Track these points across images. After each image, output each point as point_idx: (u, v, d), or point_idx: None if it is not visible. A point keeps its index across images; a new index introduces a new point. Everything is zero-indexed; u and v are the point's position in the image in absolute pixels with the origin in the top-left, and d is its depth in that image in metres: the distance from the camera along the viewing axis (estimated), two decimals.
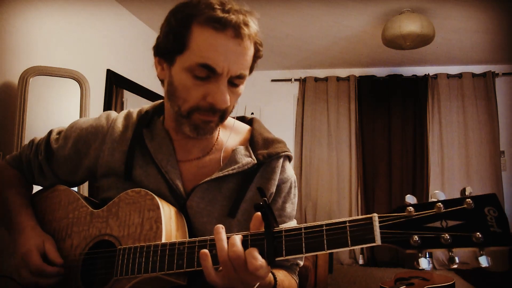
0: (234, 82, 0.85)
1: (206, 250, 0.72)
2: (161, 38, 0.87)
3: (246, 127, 1.02)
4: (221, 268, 0.72)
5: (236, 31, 0.80)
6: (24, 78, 2.25)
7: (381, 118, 4.74)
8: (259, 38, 0.87)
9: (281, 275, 0.89)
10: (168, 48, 0.84)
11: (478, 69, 4.60)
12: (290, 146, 4.88)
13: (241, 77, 0.85)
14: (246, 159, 0.91)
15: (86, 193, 2.47)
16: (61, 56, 2.62)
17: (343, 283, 3.74)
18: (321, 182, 4.72)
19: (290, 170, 0.98)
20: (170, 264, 0.77)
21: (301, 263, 1.00)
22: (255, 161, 0.91)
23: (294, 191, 0.99)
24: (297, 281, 1.00)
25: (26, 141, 2.19)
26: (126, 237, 0.85)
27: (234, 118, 1.05)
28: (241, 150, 0.93)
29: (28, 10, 2.38)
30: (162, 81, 0.92)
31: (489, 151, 4.45)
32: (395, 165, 4.63)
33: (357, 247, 0.66)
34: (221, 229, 0.72)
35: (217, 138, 0.97)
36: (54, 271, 0.87)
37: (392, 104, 4.73)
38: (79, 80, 2.54)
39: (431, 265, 0.63)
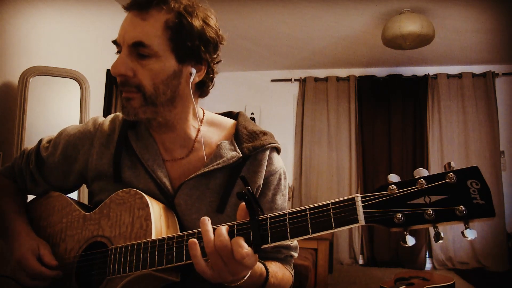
0: (138, 52, 0.84)
1: (194, 239, 0.72)
2: None
3: (230, 122, 1.01)
4: (209, 260, 0.72)
5: (136, 5, 0.85)
6: (24, 78, 2.25)
7: (381, 118, 4.75)
8: (188, 8, 0.86)
9: (274, 267, 0.90)
10: None
11: (478, 69, 4.60)
12: (290, 146, 4.89)
13: (140, 45, 0.83)
14: (231, 153, 0.91)
15: (85, 197, 2.47)
16: (61, 56, 2.62)
17: (343, 283, 3.74)
18: (321, 182, 4.72)
19: (278, 161, 0.97)
20: (160, 259, 0.77)
21: (295, 254, 1.00)
22: (240, 155, 0.91)
23: (284, 183, 0.98)
24: (292, 273, 0.99)
25: (26, 141, 2.20)
26: (118, 236, 0.86)
27: (219, 113, 1.05)
28: (226, 144, 0.93)
29: (28, 10, 2.38)
30: None
31: (489, 151, 4.45)
32: (395, 165, 4.64)
33: (341, 229, 0.66)
34: (207, 220, 0.73)
35: (197, 134, 0.96)
36: (51, 273, 0.88)
37: (392, 104, 4.73)
38: (79, 80, 2.54)
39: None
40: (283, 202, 0.97)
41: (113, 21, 3.16)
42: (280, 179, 0.97)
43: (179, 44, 0.85)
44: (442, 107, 4.61)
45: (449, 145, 4.55)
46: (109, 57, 3.30)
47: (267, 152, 0.94)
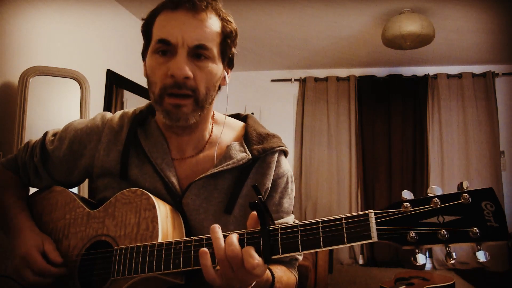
0: (197, 53, 0.84)
1: (205, 249, 0.72)
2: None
3: (240, 124, 1.02)
4: (218, 267, 0.72)
5: (190, 5, 0.84)
6: (24, 78, 2.25)
7: (381, 118, 4.74)
8: (225, 14, 0.89)
9: (279, 271, 0.89)
10: (143, 47, 0.93)
11: (478, 69, 4.60)
12: (290, 146, 4.88)
13: (202, 48, 0.84)
14: (240, 154, 0.91)
15: (86, 194, 2.46)
16: (61, 56, 2.62)
17: (343, 283, 3.74)
18: (321, 182, 4.72)
19: (286, 165, 0.98)
20: (166, 263, 0.77)
21: (300, 258, 1.00)
22: (250, 156, 0.91)
23: (291, 186, 0.99)
24: (297, 276, 0.99)
25: (26, 141, 2.19)
26: (123, 237, 0.85)
27: (228, 115, 1.05)
28: (236, 146, 0.93)
29: (28, 10, 2.38)
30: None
31: (489, 151, 4.45)
32: (395, 165, 4.64)
33: (353, 244, 0.66)
34: (217, 228, 0.72)
35: (210, 135, 0.97)
36: (57, 270, 0.88)
37: (392, 104, 4.73)
38: (79, 80, 2.54)
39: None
40: (289, 206, 0.98)
41: (113, 21, 3.18)
42: (287, 182, 0.97)
43: (226, 49, 0.89)
44: (442, 107, 4.61)
45: (449, 145, 4.55)
46: (109, 57, 3.30)
47: (276, 155, 0.95)
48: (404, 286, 2.65)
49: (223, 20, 0.88)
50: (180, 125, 0.87)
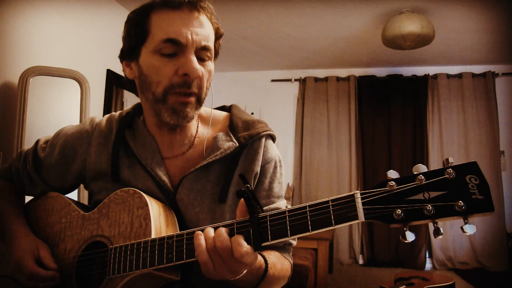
0: (201, 55, 0.86)
1: (199, 231, 0.73)
2: (124, 42, 0.92)
3: (223, 114, 1.02)
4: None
5: (191, 6, 0.84)
6: (24, 78, 2.25)
7: (381, 118, 4.75)
8: (215, 18, 0.91)
9: (273, 258, 0.89)
10: (131, 45, 0.89)
11: (478, 69, 4.60)
12: (290, 146, 4.89)
13: (206, 49, 0.86)
14: (227, 143, 0.92)
15: (85, 197, 2.46)
16: (61, 56, 2.62)
17: (343, 283, 3.74)
18: (321, 182, 4.73)
19: (273, 149, 0.98)
20: (160, 258, 0.78)
21: (294, 242, 1.00)
22: (237, 144, 0.92)
23: (280, 171, 0.99)
24: (291, 262, 0.99)
25: (26, 141, 2.20)
26: (117, 236, 0.86)
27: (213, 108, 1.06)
28: (222, 136, 0.94)
29: (28, 10, 2.38)
30: (133, 82, 0.94)
31: (489, 151, 4.45)
32: (395, 165, 4.64)
33: (341, 226, 0.66)
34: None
35: (197, 131, 0.97)
36: (49, 275, 0.88)
37: (392, 104, 4.73)
38: (79, 80, 2.54)
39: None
40: (280, 190, 0.98)
41: (113, 21, 3.18)
42: (275, 167, 0.98)
43: (217, 49, 0.92)
44: (442, 107, 4.61)
45: (449, 145, 4.56)
46: (109, 57, 3.30)
47: (263, 140, 0.95)
48: (404, 286, 2.65)
49: (214, 23, 0.90)
50: (184, 123, 0.89)
